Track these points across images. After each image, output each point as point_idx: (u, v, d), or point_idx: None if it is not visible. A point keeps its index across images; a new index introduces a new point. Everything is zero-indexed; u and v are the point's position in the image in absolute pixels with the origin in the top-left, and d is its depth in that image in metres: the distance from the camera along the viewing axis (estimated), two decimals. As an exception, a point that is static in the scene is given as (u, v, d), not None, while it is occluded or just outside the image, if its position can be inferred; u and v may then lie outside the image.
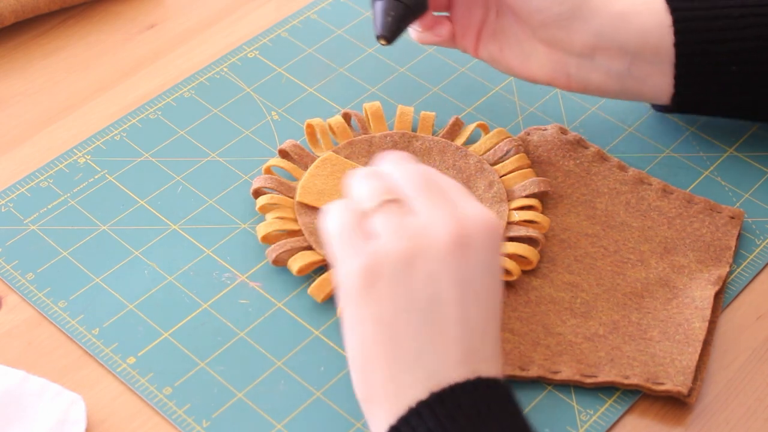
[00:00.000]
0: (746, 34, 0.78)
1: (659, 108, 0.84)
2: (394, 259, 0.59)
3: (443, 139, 0.81)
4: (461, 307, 0.59)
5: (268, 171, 0.80)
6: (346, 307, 0.60)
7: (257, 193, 0.78)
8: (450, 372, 0.58)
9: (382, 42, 0.77)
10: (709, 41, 0.78)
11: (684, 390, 0.69)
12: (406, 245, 0.59)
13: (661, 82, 0.79)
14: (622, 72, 0.79)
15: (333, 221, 0.62)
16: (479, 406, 0.57)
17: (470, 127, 0.82)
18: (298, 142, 0.81)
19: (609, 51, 0.78)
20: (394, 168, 0.64)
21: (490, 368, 0.59)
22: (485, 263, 0.60)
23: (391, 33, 0.77)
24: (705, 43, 0.78)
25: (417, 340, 0.58)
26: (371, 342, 0.59)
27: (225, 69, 0.88)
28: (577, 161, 0.81)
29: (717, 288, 0.74)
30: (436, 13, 0.82)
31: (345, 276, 0.60)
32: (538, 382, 0.71)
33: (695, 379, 0.70)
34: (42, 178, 0.80)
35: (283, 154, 0.80)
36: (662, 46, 0.78)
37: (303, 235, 0.76)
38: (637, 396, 0.70)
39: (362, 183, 0.63)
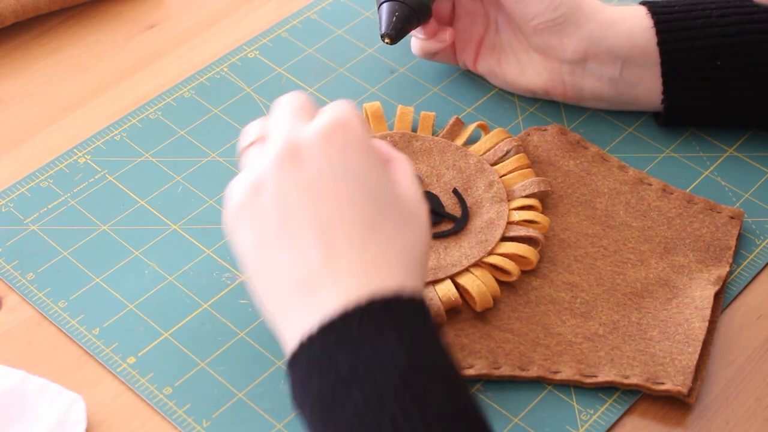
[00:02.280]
0: (728, 30, 0.80)
1: (662, 122, 0.84)
2: (243, 190, 0.62)
3: (443, 139, 0.81)
4: (313, 211, 0.60)
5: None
6: (231, 238, 0.64)
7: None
8: (330, 290, 0.58)
9: (387, 41, 0.80)
10: (691, 38, 0.80)
11: (684, 390, 0.69)
12: (249, 178, 0.62)
13: (653, 85, 0.82)
14: (614, 77, 0.82)
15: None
16: (367, 329, 0.57)
17: (470, 127, 0.82)
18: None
19: (600, 56, 0.81)
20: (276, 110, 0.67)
21: (384, 277, 0.59)
22: (323, 162, 0.61)
23: (396, 32, 0.80)
24: (687, 40, 0.80)
25: (282, 260, 0.60)
26: (249, 275, 0.62)
27: (225, 69, 0.88)
28: (577, 161, 0.81)
29: (717, 288, 0.74)
30: None
31: (226, 207, 0.64)
32: (538, 382, 0.71)
33: (695, 378, 0.70)
34: (42, 178, 0.80)
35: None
36: (649, 48, 0.81)
37: (303, 235, 0.76)
38: (637, 396, 0.70)
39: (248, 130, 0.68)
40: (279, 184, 0.61)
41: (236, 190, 0.63)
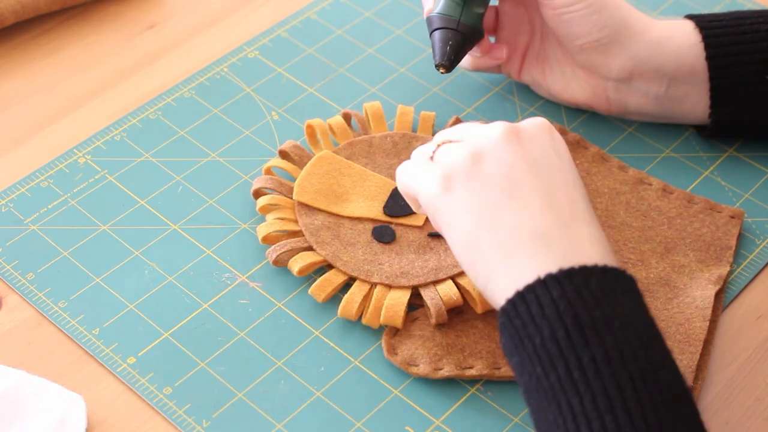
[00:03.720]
0: None
1: (708, 134, 0.84)
2: (461, 161, 0.65)
3: (443, 139, 0.81)
4: (539, 182, 0.64)
5: (269, 171, 0.80)
6: (435, 214, 0.66)
7: (257, 194, 0.78)
8: (566, 248, 0.62)
9: (442, 71, 0.79)
10: (740, 53, 0.80)
11: (684, 390, 0.69)
12: (468, 150, 0.66)
13: (699, 101, 0.81)
14: (659, 94, 0.82)
15: (405, 166, 0.70)
16: (606, 288, 0.61)
17: (470, 127, 0.82)
18: (298, 143, 0.81)
19: (646, 75, 0.81)
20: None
21: (604, 256, 0.63)
22: (545, 146, 0.66)
23: (449, 61, 0.79)
24: (736, 54, 0.80)
25: (513, 216, 0.64)
26: (470, 231, 0.64)
27: (225, 69, 0.88)
28: (577, 161, 0.81)
29: (717, 288, 0.74)
30: None
31: (425, 189, 0.67)
32: (538, 382, 0.71)
33: (696, 378, 0.70)
34: (42, 178, 0.80)
35: (283, 154, 0.81)
36: (697, 65, 0.80)
37: (303, 235, 0.76)
38: (638, 396, 0.70)
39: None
40: (503, 155, 0.65)
41: (454, 160, 0.66)
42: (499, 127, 0.67)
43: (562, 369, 0.58)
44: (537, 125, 0.67)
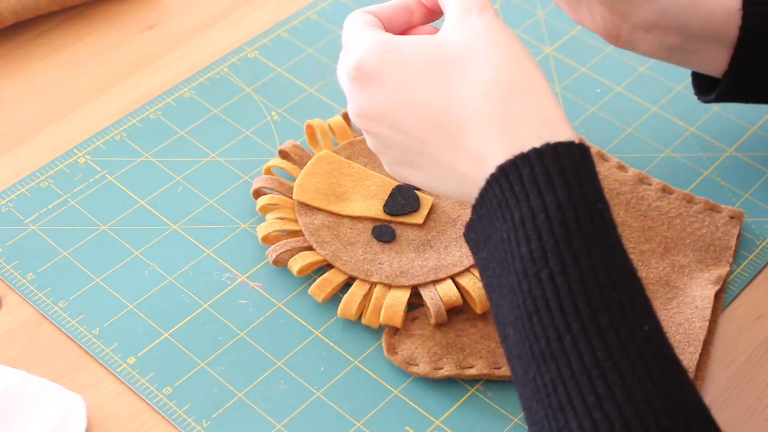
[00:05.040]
0: None
1: (705, 99, 0.81)
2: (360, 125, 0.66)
3: (443, 139, 0.81)
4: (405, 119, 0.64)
5: (268, 171, 0.80)
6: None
7: (257, 194, 0.78)
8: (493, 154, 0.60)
9: None
10: None
11: (684, 390, 0.69)
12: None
13: (712, 58, 0.78)
14: (673, 46, 0.78)
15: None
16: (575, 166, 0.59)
17: (470, 127, 0.82)
18: (298, 143, 0.81)
19: (668, 29, 0.77)
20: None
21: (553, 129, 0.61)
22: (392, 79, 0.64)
23: None
24: None
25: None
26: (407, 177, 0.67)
27: (225, 69, 0.88)
28: (577, 161, 0.81)
29: (717, 288, 0.74)
30: None
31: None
32: (538, 382, 0.71)
33: (695, 378, 0.70)
34: (42, 178, 0.80)
35: (283, 154, 0.81)
36: (725, 31, 0.76)
37: (303, 235, 0.76)
38: (637, 396, 0.70)
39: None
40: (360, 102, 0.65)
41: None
42: (347, 86, 0.66)
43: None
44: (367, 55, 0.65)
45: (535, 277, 0.57)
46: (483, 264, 0.61)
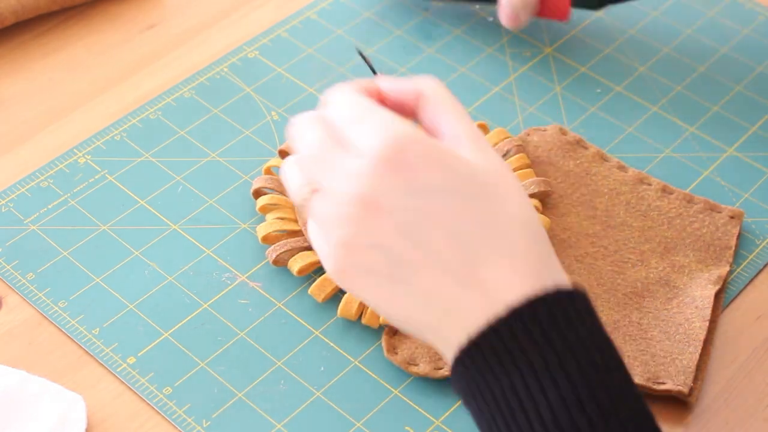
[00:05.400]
0: None
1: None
2: (338, 259, 0.57)
3: (443, 139, 0.81)
4: (418, 250, 0.55)
5: (268, 171, 0.79)
6: (341, 283, 0.58)
7: (257, 194, 0.78)
8: (469, 313, 0.54)
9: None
10: None
11: (685, 389, 0.69)
12: (336, 245, 0.56)
13: None
14: None
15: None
16: (509, 342, 0.53)
17: (470, 127, 0.82)
18: (298, 142, 0.81)
19: None
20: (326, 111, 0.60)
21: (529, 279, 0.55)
22: (429, 170, 0.56)
23: None
24: None
25: (414, 305, 0.56)
26: (383, 313, 0.57)
27: (225, 69, 0.88)
28: (577, 161, 0.81)
29: (717, 287, 0.74)
30: None
31: (326, 266, 0.58)
32: (538, 382, 0.71)
33: (696, 378, 0.70)
34: (42, 178, 0.80)
35: (283, 154, 0.81)
36: None
37: (303, 235, 0.76)
38: (637, 396, 0.70)
39: (288, 168, 0.60)
40: (371, 235, 0.56)
41: (336, 232, 0.56)
42: (369, 162, 0.55)
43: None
44: (375, 170, 0.55)
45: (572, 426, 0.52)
46: (475, 414, 0.55)
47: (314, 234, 0.59)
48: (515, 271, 0.54)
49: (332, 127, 0.58)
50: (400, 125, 0.56)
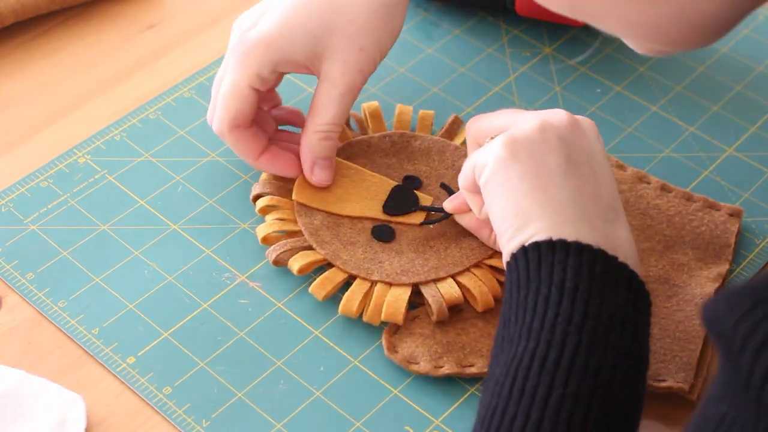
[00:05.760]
0: None
1: None
2: (530, 130, 0.68)
3: (442, 139, 0.81)
4: (589, 167, 0.68)
5: (267, 177, 0.79)
6: (493, 174, 0.68)
7: (257, 199, 0.78)
8: (587, 226, 0.65)
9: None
10: None
11: (685, 386, 0.69)
12: (536, 121, 0.69)
13: None
14: None
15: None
16: (625, 289, 0.64)
17: (470, 127, 0.82)
18: (298, 143, 0.81)
19: None
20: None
21: (635, 262, 0.66)
22: (596, 144, 0.70)
23: None
24: None
25: (561, 192, 0.66)
26: (522, 197, 0.67)
27: (225, 69, 0.88)
28: (577, 161, 0.81)
29: (717, 285, 0.74)
30: None
31: (493, 154, 0.68)
32: (538, 382, 0.71)
33: (696, 375, 0.70)
34: (42, 178, 0.80)
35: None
36: None
37: (303, 235, 0.76)
38: (637, 395, 0.70)
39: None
40: (566, 134, 0.69)
41: (523, 128, 0.68)
42: (562, 111, 0.70)
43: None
44: (591, 124, 0.71)
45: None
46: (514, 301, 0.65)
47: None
48: (629, 242, 0.67)
49: None
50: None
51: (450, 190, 0.78)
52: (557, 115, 0.70)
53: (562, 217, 0.65)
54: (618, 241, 0.66)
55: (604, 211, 0.67)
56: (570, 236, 0.64)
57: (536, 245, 0.64)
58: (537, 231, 0.65)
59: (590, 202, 0.67)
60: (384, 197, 0.78)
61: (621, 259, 0.64)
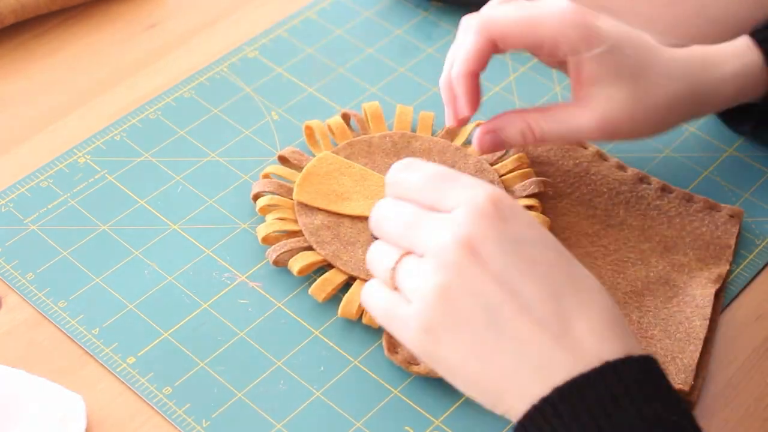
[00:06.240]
0: None
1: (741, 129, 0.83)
2: (433, 302, 0.58)
3: (443, 139, 0.81)
4: (515, 300, 0.57)
5: (267, 177, 0.79)
6: (423, 357, 0.60)
7: (257, 198, 0.78)
8: (559, 367, 0.56)
9: None
10: None
11: (686, 388, 0.69)
12: (434, 284, 0.58)
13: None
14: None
15: (371, 293, 0.62)
16: (602, 398, 0.55)
17: (469, 127, 0.82)
18: (297, 148, 0.81)
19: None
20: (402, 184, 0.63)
21: (606, 347, 0.57)
22: (507, 245, 0.58)
23: None
24: None
25: (502, 354, 0.57)
26: (462, 373, 0.59)
27: (225, 69, 0.88)
28: (577, 161, 0.81)
29: (717, 286, 0.74)
30: None
31: (407, 340, 0.60)
32: (538, 382, 0.71)
33: (696, 377, 0.70)
34: (42, 178, 0.80)
35: (283, 160, 0.80)
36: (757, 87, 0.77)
37: (303, 235, 0.76)
38: (637, 396, 0.70)
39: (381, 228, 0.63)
40: (471, 283, 0.58)
41: (426, 302, 0.58)
42: (467, 210, 0.58)
43: None
44: (474, 214, 0.58)
45: None
46: None
47: (391, 305, 0.60)
48: (604, 330, 0.57)
49: (419, 197, 0.61)
50: (489, 184, 0.60)
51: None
52: (450, 249, 0.58)
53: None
54: (579, 344, 0.57)
55: (552, 330, 0.57)
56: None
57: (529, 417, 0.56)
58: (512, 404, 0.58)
59: (536, 344, 0.57)
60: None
61: (589, 363, 0.56)
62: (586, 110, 0.73)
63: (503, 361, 0.57)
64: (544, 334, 0.57)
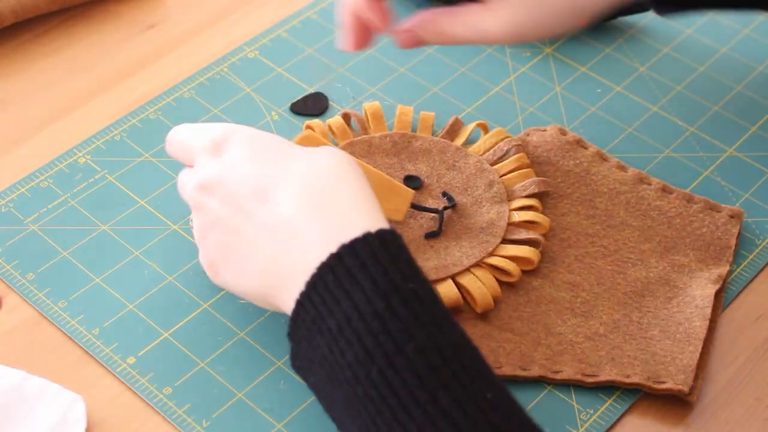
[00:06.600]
0: None
1: (662, 10, 0.82)
2: (202, 250, 0.68)
3: (443, 139, 0.81)
4: (240, 213, 0.65)
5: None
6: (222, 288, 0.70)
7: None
8: (308, 255, 0.62)
9: None
10: None
11: (685, 388, 0.69)
12: (197, 236, 0.68)
13: None
14: None
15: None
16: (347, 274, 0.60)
17: (470, 127, 0.82)
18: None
19: None
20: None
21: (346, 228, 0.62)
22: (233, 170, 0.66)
23: None
24: None
25: (265, 261, 0.64)
26: (248, 292, 0.67)
27: (225, 69, 0.88)
28: (577, 161, 0.81)
29: (717, 287, 0.74)
30: None
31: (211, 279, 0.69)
32: (538, 382, 0.71)
33: (696, 377, 0.70)
34: (42, 178, 0.80)
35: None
36: None
37: (303, 235, 0.76)
38: (638, 395, 0.70)
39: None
40: (210, 215, 0.67)
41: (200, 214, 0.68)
42: (199, 156, 0.69)
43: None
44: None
45: (367, 380, 0.57)
46: (316, 388, 0.62)
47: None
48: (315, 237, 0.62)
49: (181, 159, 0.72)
50: (221, 124, 0.69)
51: (451, 198, 0.78)
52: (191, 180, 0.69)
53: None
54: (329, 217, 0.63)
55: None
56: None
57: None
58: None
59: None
60: (384, 197, 0.78)
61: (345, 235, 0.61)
62: (493, 14, 0.74)
63: (266, 266, 0.64)
64: (276, 232, 0.63)
